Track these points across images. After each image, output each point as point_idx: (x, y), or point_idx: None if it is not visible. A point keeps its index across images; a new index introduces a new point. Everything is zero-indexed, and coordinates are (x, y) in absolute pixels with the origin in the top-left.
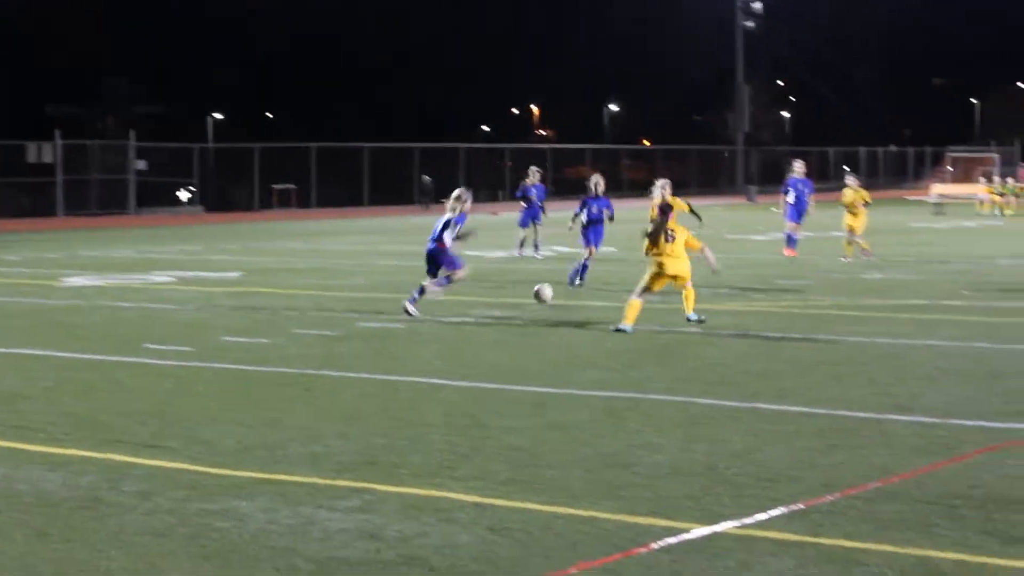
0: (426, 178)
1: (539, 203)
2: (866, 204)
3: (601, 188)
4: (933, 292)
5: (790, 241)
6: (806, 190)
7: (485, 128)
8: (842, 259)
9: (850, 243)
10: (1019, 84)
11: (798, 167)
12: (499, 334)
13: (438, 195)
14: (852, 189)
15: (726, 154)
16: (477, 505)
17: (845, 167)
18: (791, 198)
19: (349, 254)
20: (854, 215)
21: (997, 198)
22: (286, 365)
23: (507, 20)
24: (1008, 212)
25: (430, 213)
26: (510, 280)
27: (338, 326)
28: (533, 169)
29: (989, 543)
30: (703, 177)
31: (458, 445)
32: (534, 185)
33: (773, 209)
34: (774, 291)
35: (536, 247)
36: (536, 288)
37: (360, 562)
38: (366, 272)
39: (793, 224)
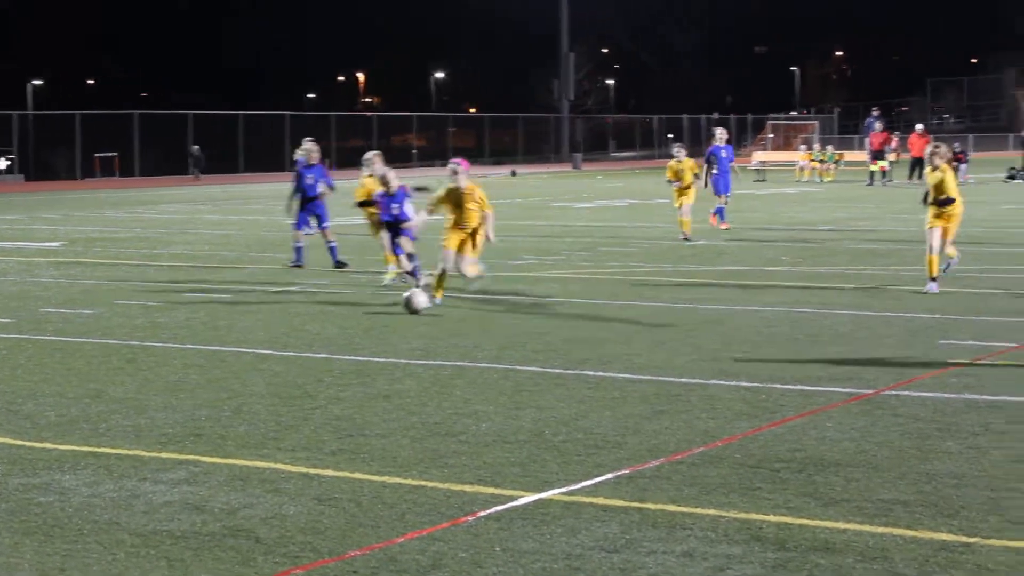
0: (195, 147)
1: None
2: (696, 176)
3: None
4: (755, 258)
5: (720, 212)
6: (728, 158)
7: (310, 95)
8: (684, 240)
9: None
10: (838, 52)
11: (720, 134)
12: (324, 305)
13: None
14: (678, 160)
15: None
16: (304, 475)
17: (670, 135)
18: (715, 168)
19: (172, 223)
20: (682, 190)
21: (816, 165)
22: (109, 336)
23: None
24: (827, 179)
25: (200, 183)
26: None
27: (161, 296)
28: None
29: (810, 505)
30: (529, 144)
31: (284, 416)
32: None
33: (598, 177)
34: (599, 258)
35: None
36: (407, 295)
37: (186, 534)
38: (188, 242)
39: (723, 196)
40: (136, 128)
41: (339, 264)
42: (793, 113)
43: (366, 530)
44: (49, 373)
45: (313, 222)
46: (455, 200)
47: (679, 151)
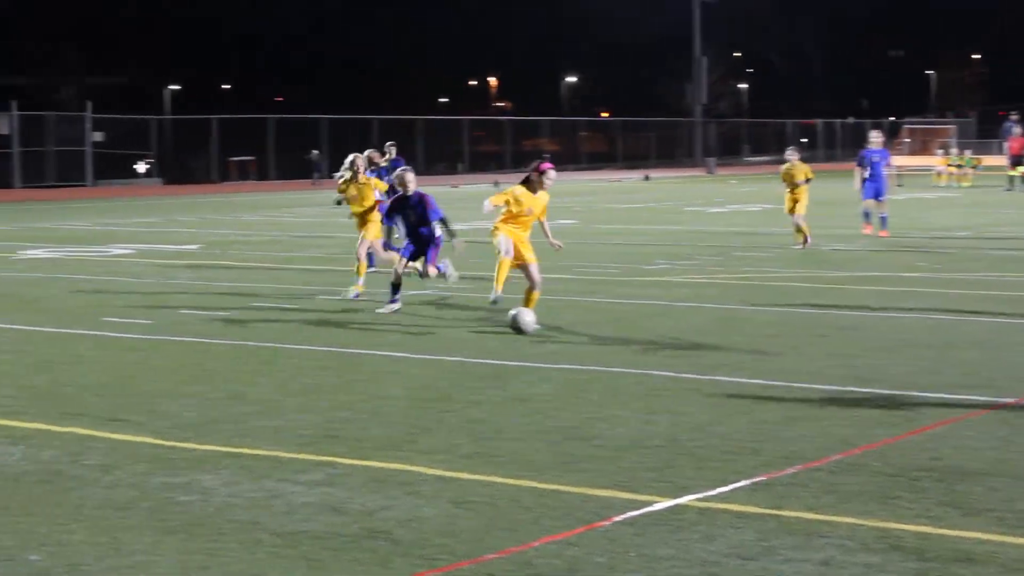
0: (314, 152)
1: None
2: (807, 180)
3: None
4: (891, 264)
5: (867, 216)
6: (882, 161)
7: (444, 100)
8: (794, 246)
9: (798, 227)
10: (976, 55)
11: (873, 137)
12: (457, 309)
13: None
14: (791, 164)
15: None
16: (441, 478)
17: (803, 139)
18: (867, 172)
19: (307, 226)
20: (794, 195)
21: (954, 170)
22: (246, 338)
23: None
24: (965, 184)
25: (320, 188)
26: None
27: (297, 299)
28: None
29: (950, 515)
30: (662, 149)
31: (420, 418)
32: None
33: (732, 181)
34: (732, 263)
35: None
36: (513, 313)
37: (323, 535)
38: (323, 245)
39: (871, 201)
40: (272, 132)
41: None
42: (930, 117)
43: (502, 533)
44: (189, 374)
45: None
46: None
47: (791, 153)
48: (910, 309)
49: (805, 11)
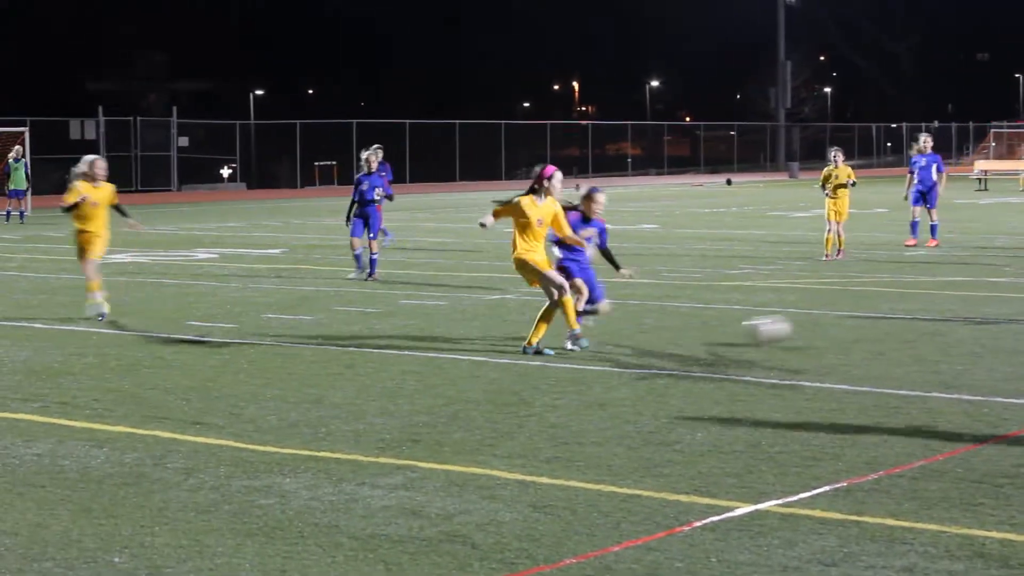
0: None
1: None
2: (853, 184)
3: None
4: (977, 269)
5: (913, 229)
6: (929, 167)
7: (526, 104)
8: (820, 258)
9: (837, 236)
10: None
11: (921, 141)
12: (536, 311)
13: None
14: (835, 166)
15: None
16: (520, 482)
17: (888, 143)
18: (915, 178)
19: (391, 231)
20: (835, 200)
21: None
22: (328, 342)
23: None
24: None
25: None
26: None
27: (379, 303)
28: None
29: None
30: (745, 153)
31: (500, 422)
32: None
33: (815, 186)
34: (816, 268)
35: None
36: (757, 324)
37: (403, 539)
38: (404, 249)
39: (918, 208)
40: (354, 137)
41: (371, 276)
42: (1018, 121)
43: (581, 538)
44: (270, 378)
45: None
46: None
47: (836, 155)
48: (995, 315)
49: (891, 14)
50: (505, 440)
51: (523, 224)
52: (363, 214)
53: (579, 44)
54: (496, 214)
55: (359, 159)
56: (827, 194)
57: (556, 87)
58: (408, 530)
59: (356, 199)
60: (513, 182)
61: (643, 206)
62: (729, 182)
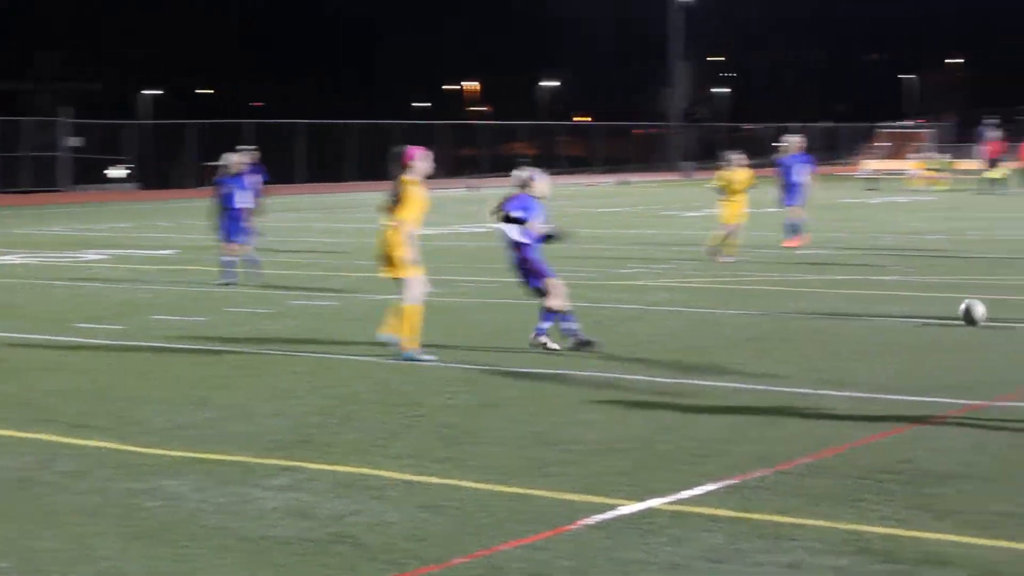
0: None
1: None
2: (750, 187)
3: None
4: (864, 268)
5: (791, 230)
6: (793, 168)
7: (422, 104)
8: (721, 259)
9: (726, 237)
10: (955, 60)
11: (789, 143)
12: (432, 313)
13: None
14: (731, 169)
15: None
16: (409, 483)
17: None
18: (785, 180)
19: (282, 231)
20: (731, 202)
21: (931, 174)
22: (218, 343)
23: None
24: (939, 188)
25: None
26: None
27: (269, 304)
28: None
29: (918, 517)
30: (640, 153)
31: (391, 423)
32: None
33: (707, 186)
34: (707, 267)
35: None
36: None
37: (291, 540)
38: (297, 250)
39: (793, 208)
40: (250, 138)
41: (227, 284)
42: (906, 122)
43: (470, 538)
44: (158, 379)
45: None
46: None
47: (734, 158)
48: (883, 313)
49: (785, 16)
50: (395, 440)
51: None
52: (230, 219)
53: (475, 44)
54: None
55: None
56: (724, 197)
57: (451, 87)
58: (297, 531)
59: (222, 204)
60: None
61: None
62: (625, 182)
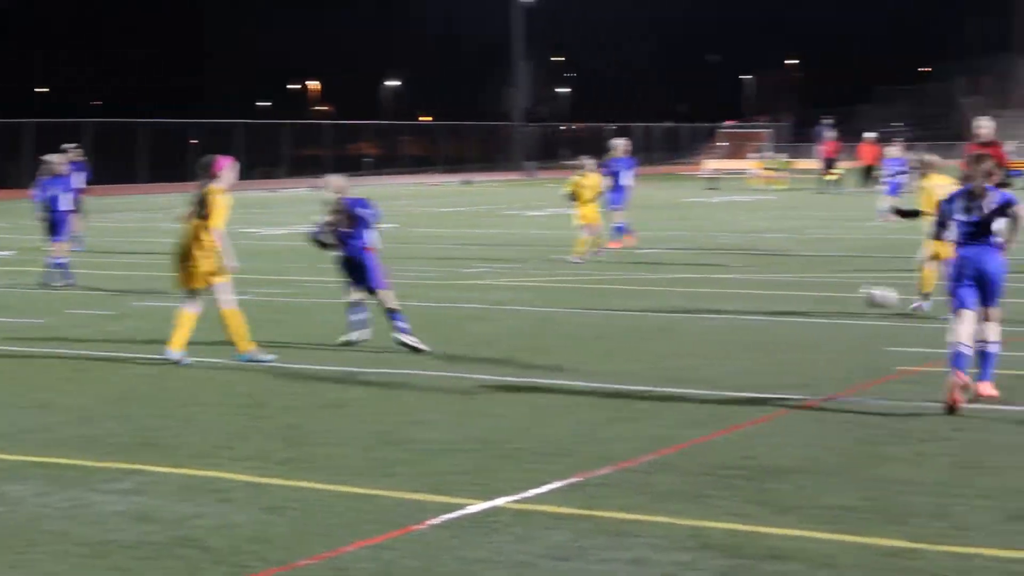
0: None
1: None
2: (596, 196)
3: None
4: (704, 267)
5: (618, 231)
6: (625, 171)
7: (263, 103)
8: (587, 253)
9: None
10: (791, 61)
11: (617, 146)
12: (276, 313)
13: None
14: (583, 175)
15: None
16: (253, 485)
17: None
18: (611, 181)
19: (127, 232)
20: (584, 206)
21: (770, 173)
22: (59, 345)
23: None
24: (779, 187)
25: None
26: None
27: (111, 306)
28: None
29: (760, 512)
30: (483, 153)
31: (234, 425)
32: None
33: (550, 185)
34: (551, 266)
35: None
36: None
37: (134, 544)
38: (141, 251)
39: (618, 210)
40: (89, 136)
41: (46, 285)
42: (745, 122)
43: (315, 539)
44: None
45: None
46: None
47: (584, 163)
48: (723, 310)
49: (626, 17)
50: (239, 442)
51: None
52: (53, 219)
53: (317, 43)
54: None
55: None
56: (576, 203)
57: (294, 86)
58: (140, 535)
59: (46, 205)
60: (252, 182)
61: (381, 206)
62: (468, 182)
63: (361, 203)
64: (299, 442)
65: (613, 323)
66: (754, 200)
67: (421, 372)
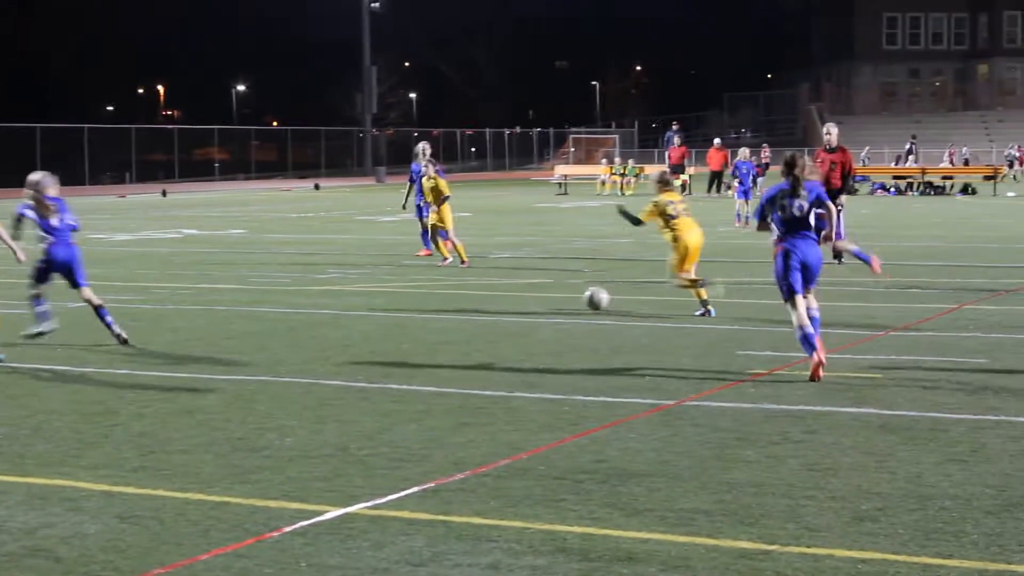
0: None
1: None
2: (446, 198)
3: None
4: (556, 272)
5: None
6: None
7: (110, 108)
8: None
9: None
10: (637, 67)
11: (423, 148)
12: (125, 319)
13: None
14: (435, 178)
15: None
16: (105, 493)
17: (473, 149)
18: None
19: None
20: (439, 212)
21: (618, 178)
22: None
23: None
24: (628, 192)
25: None
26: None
27: None
28: None
29: (614, 515)
30: (332, 158)
31: (85, 433)
32: None
33: (401, 190)
34: (403, 272)
35: None
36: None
37: None
38: None
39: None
40: None
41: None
42: (595, 127)
43: (169, 547)
44: None
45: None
46: None
47: (428, 166)
48: (574, 313)
49: (475, 22)
50: (90, 450)
51: None
52: None
53: (164, 46)
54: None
55: None
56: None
57: (141, 91)
58: None
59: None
60: (97, 187)
61: (231, 211)
62: (317, 187)
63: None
64: (152, 449)
65: (468, 327)
66: (603, 205)
67: (274, 379)
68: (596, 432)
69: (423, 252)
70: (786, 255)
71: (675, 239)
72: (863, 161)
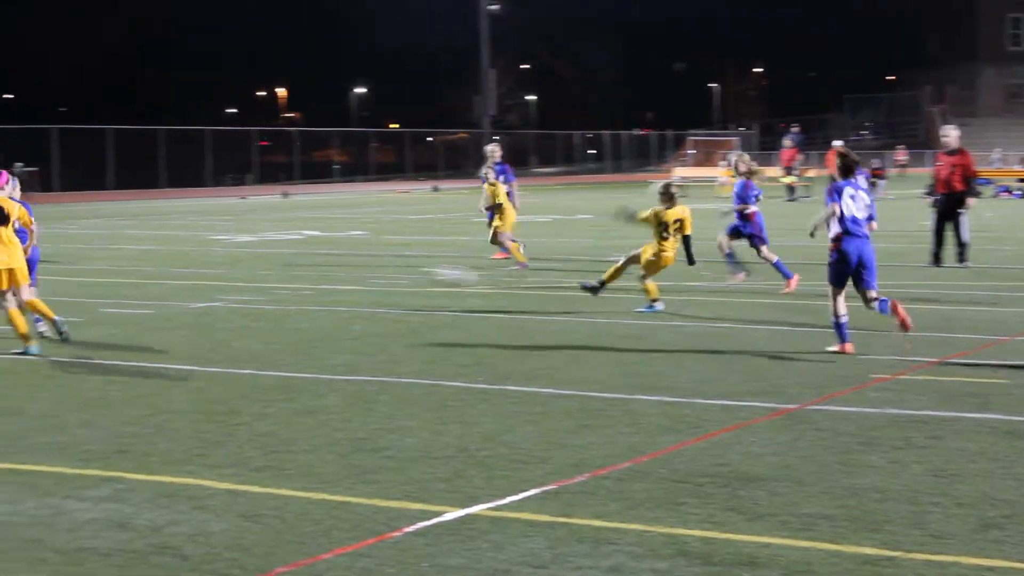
0: (18, 164)
1: None
2: (496, 205)
3: None
4: (675, 273)
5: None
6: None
7: (232, 111)
8: (515, 267)
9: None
10: (757, 69)
11: (489, 151)
12: (247, 320)
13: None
14: (491, 184)
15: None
16: (230, 492)
17: (591, 151)
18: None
19: (92, 238)
20: (501, 213)
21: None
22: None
23: (252, 1)
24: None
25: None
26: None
27: (80, 312)
28: None
29: (734, 519)
30: (451, 160)
31: (209, 432)
32: None
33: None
34: (522, 273)
35: None
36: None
37: (110, 552)
38: (109, 257)
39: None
40: (55, 143)
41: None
42: (713, 129)
43: (292, 546)
44: None
45: None
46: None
47: (488, 171)
48: (695, 317)
49: (593, 24)
50: (214, 449)
51: None
52: None
53: (285, 49)
54: None
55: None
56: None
57: (261, 93)
58: (116, 543)
59: None
60: (220, 189)
61: (351, 213)
62: (436, 189)
63: (26, 205)
64: (274, 449)
65: (585, 330)
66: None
67: (395, 380)
68: (716, 436)
69: (498, 255)
70: (847, 253)
71: (660, 252)
72: (996, 163)
